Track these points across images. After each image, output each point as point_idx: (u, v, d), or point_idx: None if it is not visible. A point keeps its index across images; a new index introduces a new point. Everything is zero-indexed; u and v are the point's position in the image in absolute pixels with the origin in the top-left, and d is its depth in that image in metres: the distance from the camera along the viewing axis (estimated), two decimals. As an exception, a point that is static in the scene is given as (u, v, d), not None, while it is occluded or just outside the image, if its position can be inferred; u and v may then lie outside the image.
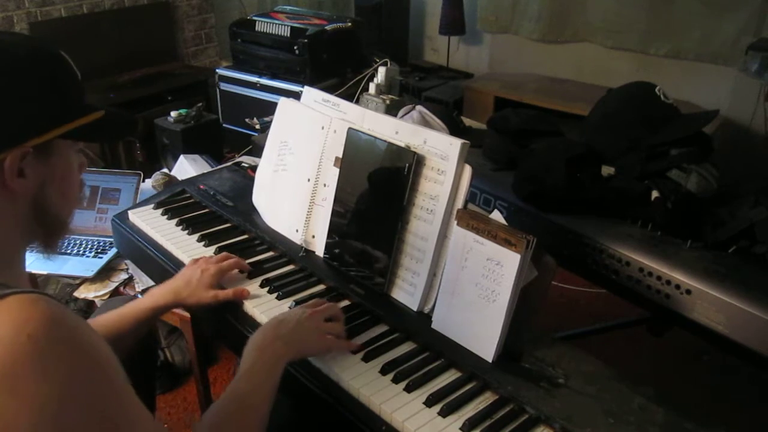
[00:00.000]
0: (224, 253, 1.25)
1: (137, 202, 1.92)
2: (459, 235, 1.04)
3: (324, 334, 1.02)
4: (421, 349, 1.06)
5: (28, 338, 0.62)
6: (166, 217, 1.45)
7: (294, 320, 1.01)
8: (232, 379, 2.05)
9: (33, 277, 1.87)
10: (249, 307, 1.15)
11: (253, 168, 1.59)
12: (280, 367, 0.95)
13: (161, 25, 4.22)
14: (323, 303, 1.09)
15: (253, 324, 1.13)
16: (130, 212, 1.47)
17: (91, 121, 0.80)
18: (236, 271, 1.23)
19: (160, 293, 1.16)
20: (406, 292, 1.15)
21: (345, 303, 1.17)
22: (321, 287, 1.22)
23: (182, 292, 1.15)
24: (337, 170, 1.25)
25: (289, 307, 1.14)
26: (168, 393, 2.12)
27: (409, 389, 0.96)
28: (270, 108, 2.92)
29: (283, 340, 0.97)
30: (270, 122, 1.43)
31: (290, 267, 1.28)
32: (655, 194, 1.39)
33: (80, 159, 0.84)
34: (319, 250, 1.29)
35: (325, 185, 1.28)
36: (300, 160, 1.34)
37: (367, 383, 0.97)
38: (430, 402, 0.93)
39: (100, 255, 1.93)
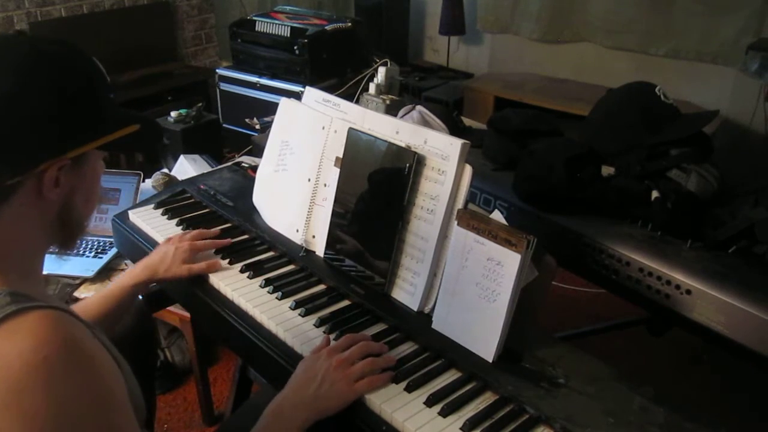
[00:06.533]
0: (197, 231, 1.31)
1: (137, 202, 1.92)
2: (459, 235, 1.04)
3: (353, 383, 0.94)
4: (422, 349, 1.06)
5: (44, 360, 0.62)
6: (166, 217, 1.45)
7: (320, 377, 0.94)
8: (232, 379, 2.04)
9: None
10: (249, 307, 1.15)
11: (253, 168, 1.59)
12: None
13: (161, 25, 4.22)
14: (351, 340, 1.01)
15: (252, 323, 1.13)
16: (130, 212, 1.47)
17: (128, 133, 0.81)
18: (212, 251, 1.28)
19: (138, 271, 1.21)
20: (407, 292, 1.15)
21: (345, 303, 1.17)
22: (321, 287, 1.22)
23: (158, 267, 1.21)
24: (337, 170, 1.25)
25: (290, 308, 1.14)
26: (168, 393, 2.13)
27: (409, 389, 0.96)
28: (270, 108, 2.93)
29: (304, 405, 0.92)
30: (270, 122, 1.43)
31: (290, 267, 1.28)
32: (655, 194, 1.39)
33: (102, 165, 0.85)
34: (320, 250, 1.29)
35: (325, 185, 1.28)
36: (301, 160, 1.34)
37: (367, 383, 0.97)
38: (430, 402, 0.93)
39: (100, 255, 1.93)
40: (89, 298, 1.20)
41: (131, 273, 1.22)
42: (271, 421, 0.92)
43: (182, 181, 1.73)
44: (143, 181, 2.13)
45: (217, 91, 3.52)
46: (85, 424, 0.65)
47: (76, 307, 1.13)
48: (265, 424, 0.92)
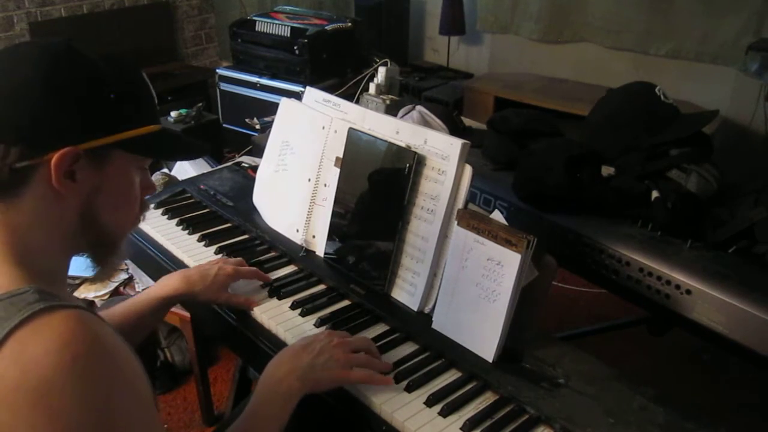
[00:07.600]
0: (240, 259, 1.22)
1: (137, 202, 1.91)
2: (459, 235, 1.04)
3: (348, 368, 0.94)
4: (422, 349, 1.06)
5: (73, 359, 0.62)
6: (166, 217, 1.45)
7: (317, 348, 0.95)
8: (232, 379, 2.04)
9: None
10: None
11: (253, 168, 1.59)
12: (291, 405, 0.90)
13: (161, 25, 4.22)
14: (350, 336, 1.03)
15: (252, 323, 1.13)
16: (130, 212, 1.47)
17: (146, 134, 0.78)
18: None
19: (171, 282, 1.12)
20: (407, 292, 1.15)
21: (345, 303, 1.17)
22: (321, 287, 1.22)
23: (196, 284, 1.11)
24: (337, 170, 1.25)
25: (290, 308, 1.14)
26: (168, 393, 2.13)
27: (409, 389, 0.96)
28: (270, 108, 2.93)
29: (299, 372, 0.91)
30: (270, 122, 1.44)
31: (291, 267, 1.28)
32: (655, 194, 1.39)
33: (146, 180, 0.84)
34: (320, 250, 1.29)
35: (325, 185, 1.28)
36: (301, 160, 1.34)
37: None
38: (430, 402, 0.94)
39: (100, 255, 1.92)
40: (112, 308, 1.10)
41: (163, 283, 1.12)
42: (268, 392, 0.91)
43: (182, 181, 1.73)
44: (143, 181, 2.13)
45: (217, 91, 3.52)
46: (111, 422, 0.65)
47: None
48: (264, 394, 0.91)
